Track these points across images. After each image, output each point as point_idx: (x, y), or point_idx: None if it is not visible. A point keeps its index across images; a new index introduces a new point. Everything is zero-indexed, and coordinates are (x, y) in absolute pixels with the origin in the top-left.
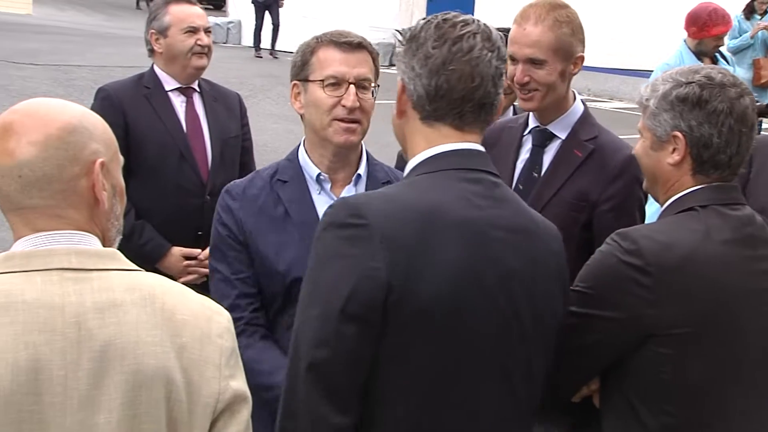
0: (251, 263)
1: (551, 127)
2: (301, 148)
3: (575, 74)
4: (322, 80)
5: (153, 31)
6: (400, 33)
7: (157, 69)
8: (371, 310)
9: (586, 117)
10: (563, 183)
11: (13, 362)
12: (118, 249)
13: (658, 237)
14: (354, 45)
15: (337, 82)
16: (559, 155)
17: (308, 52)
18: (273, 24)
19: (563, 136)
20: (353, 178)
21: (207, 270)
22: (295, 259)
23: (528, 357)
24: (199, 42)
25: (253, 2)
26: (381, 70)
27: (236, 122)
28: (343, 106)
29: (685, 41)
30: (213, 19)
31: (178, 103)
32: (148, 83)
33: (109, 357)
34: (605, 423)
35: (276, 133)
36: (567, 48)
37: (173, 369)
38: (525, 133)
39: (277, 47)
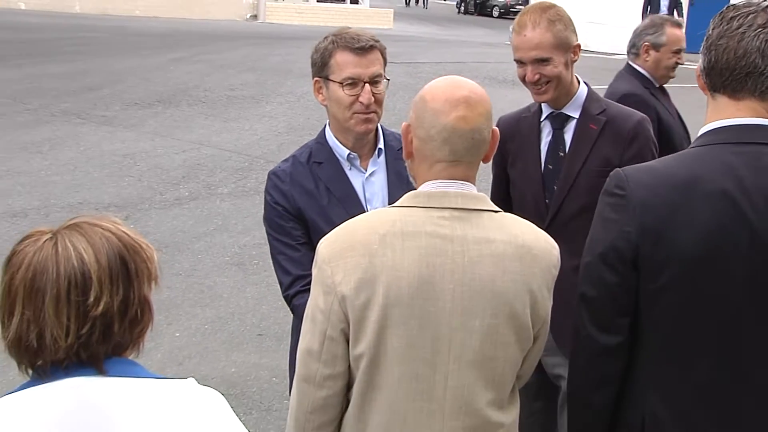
0: (307, 232)
1: (565, 110)
2: (328, 131)
3: (576, 61)
4: (341, 82)
5: (647, 44)
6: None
7: (637, 68)
8: (623, 263)
9: (591, 95)
10: (587, 156)
11: (417, 275)
12: None
13: None
14: (367, 48)
15: (354, 83)
16: (578, 132)
17: (327, 54)
18: None
19: (576, 115)
20: (375, 152)
21: None
22: None
23: None
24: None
25: None
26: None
27: None
28: (361, 102)
29: None
30: None
31: None
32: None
33: (483, 278)
34: None
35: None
36: (564, 41)
37: (526, 292)
38: (542, 120)
39: None
